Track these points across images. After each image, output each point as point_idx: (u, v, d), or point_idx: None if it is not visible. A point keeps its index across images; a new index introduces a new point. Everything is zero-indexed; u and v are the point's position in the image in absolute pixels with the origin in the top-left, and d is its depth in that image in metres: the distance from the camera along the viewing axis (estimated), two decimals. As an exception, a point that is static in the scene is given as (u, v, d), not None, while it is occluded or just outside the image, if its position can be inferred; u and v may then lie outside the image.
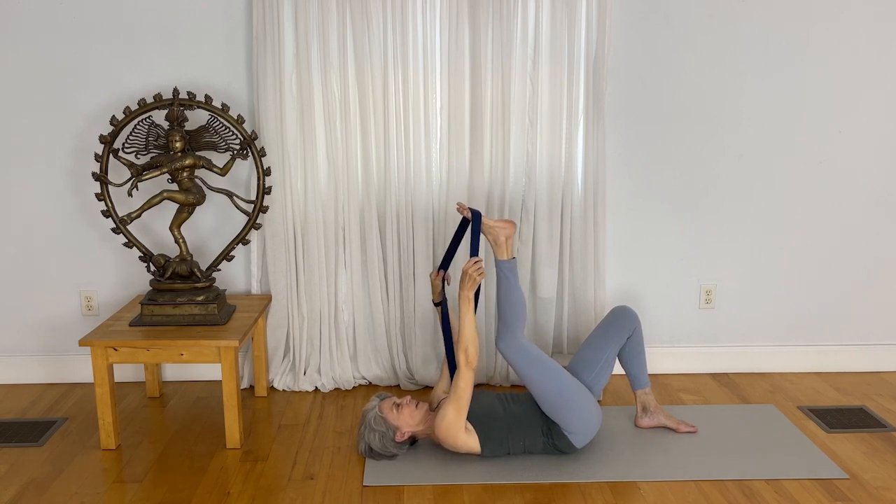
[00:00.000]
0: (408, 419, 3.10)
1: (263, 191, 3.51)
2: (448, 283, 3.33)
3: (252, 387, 3.83)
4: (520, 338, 3.15)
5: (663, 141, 3.79)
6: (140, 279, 3.80)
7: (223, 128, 3.46)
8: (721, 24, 3.68)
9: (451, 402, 3.03)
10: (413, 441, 3.19)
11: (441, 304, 3.33)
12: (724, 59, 3.72)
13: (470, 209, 3.19)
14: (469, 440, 3.06)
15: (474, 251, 3.15)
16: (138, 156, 3.45)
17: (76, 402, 3.68)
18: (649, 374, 3.45)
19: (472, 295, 3.06)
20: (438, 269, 3.32)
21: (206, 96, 3.44)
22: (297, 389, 3.80)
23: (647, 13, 3.66)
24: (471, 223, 3.18)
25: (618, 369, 3.44)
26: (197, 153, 3.42)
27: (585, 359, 3.26)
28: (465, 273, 3.06)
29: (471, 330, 3.01)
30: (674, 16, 3.67)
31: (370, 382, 3.89)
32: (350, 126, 3.62)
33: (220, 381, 3.43)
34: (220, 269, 3.58)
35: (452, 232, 3.70)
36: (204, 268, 3.56)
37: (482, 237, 3.27)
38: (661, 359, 3.96)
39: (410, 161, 3.66)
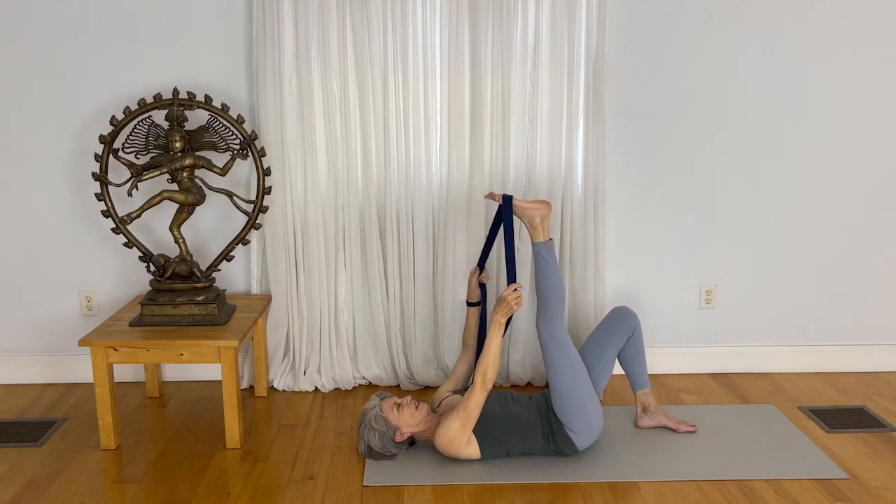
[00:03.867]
0: (408, 419, 3.09)
1: (263, 191, 3.51)
2: (485, 281, 3.34)
3: (252, 387, 3.83)
4: (559, 323, 3.13)
5: (663, 141, 3.79)
6: (140, 279, 3.80)
7: (223, 128, 3.46)
8: (721, 24, 3.68)
9: (457, 418, 3.02)
10: (412, 442, 3.18)
11: (476, 304, 3.36)
12: (725, 59, 3.72)
13: (502, 195, 3.18)
14: (469, 450, 3.06)
15: (508, 240, 3.14)
16: (138, 156, 3.45)
17: (76, 402, 3.68)
18: (649, 374, 3.45)
19: (504, 321, 3.05)
20: (476, 267, 3.33)
21: (206, 96, 3.44)
22: (297, 389, 3.80)
23: (647, 13, 3.66)
24: (503, 210, 3.17)
25: (618, 369, 3.44)
26: (197, 153, 3.42)
27: (586, 360, 3.25)
28: (502, 299, 3.05)
29: (495, 354, 3.01)
30: (674, 16, 3.67)
31: (370, 382, 3.89)
32: (350, 126, 3.62)
33: (220, 381, 3.43)
34: (220, 269, 3.58)
35: (453, 232, 3.70)
36: (204, 268, 3.56)
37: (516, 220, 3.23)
38: (661, 359, 3.96)
39: (410, 161, 3.66)
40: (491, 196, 3.21)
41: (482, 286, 3.41)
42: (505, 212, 3.17)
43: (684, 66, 3.72)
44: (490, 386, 3.00)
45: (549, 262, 3.15)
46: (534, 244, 3.19)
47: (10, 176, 3.70)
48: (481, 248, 3.45)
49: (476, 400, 2.99)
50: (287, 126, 3.60)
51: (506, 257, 3.18)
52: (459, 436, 3.03)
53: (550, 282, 3.13)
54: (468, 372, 3.41)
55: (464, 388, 3.39)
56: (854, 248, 3.95)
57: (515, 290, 3.05)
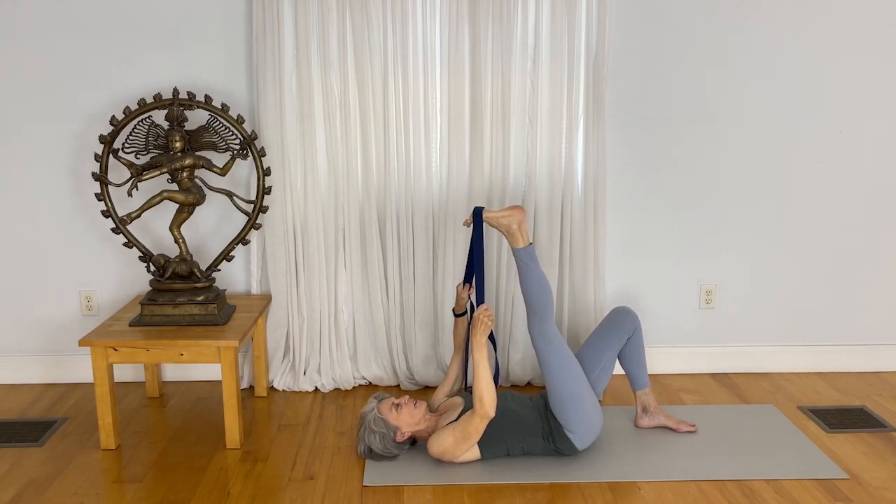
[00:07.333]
0: (407, 419, 3.09)
1: (263, 191, 3.51)
2: (472, 294, 3.33)
3: (252, 387, 3.83)
4: (549, 325, 3.10)
5: (663, 141, 3.79)
6: (140, 279, 3.80)
7: (223, 128, 3.46)
8: (721, 25, 3.68)
9: (454, 434, 3.01)
10: (413, 441, 3.18)
11: (462, 315, 3.35)
12: (725, 58, 3.72)
13: (473, 210, 3.16)
14: (467, 453, 3.06)
15: (478, 260, 3.13)
16: (138, 156, 3.45)
17: (76, 402, 3.68)
18: (649, 374, 3.45)
19: (484, 340, 3.01)
20: (464, 283, 3.33)
21: (206, 96, 3.44)
22: (297, 389, 3.80)
23: (647, 13, 3.66)
24: (473, 225, 3.16)
25: (618, 369, 3.44)
26: (197, 153, 3.42)
27: (586, 360, 3.25)
28: (476, 319, 3.02)
29: (486, 379, 2.94)
30: (674, 15, 3.67)
31: (370, 382, 3.89)
32: (350, 126, 3.62)
33: (220, 381, 3.43)
34: (220, 269, 3.58)
35: (453, 232, 3.71)
36: (204, 268, 3.56)
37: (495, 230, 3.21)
38: (661, 359, 3.96)
39: (410, 161, 3.66)
40: (465, 223, 3.20)
41: (469, 297, 3.42)
42: (474, 227, 3.14)
43: (684, 66, 3.72)
44: (491, 413, 2.94)
45: (532, 267, 3.12)
46: (514, 251, 3.15)
47: (10, 176, 3.70)
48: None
49: (475, 427, 2.97)
50: (287, 126, 3.60)
51: (475, 277, 3.15)
52: (453, 451, 3.03)
53: (536, 286, 3.11)
54: (461, 372, 3.41)
55: (458, 391, 3.40)
56: (854, 248, 3.94)
57: (486, 309, 3.03)
